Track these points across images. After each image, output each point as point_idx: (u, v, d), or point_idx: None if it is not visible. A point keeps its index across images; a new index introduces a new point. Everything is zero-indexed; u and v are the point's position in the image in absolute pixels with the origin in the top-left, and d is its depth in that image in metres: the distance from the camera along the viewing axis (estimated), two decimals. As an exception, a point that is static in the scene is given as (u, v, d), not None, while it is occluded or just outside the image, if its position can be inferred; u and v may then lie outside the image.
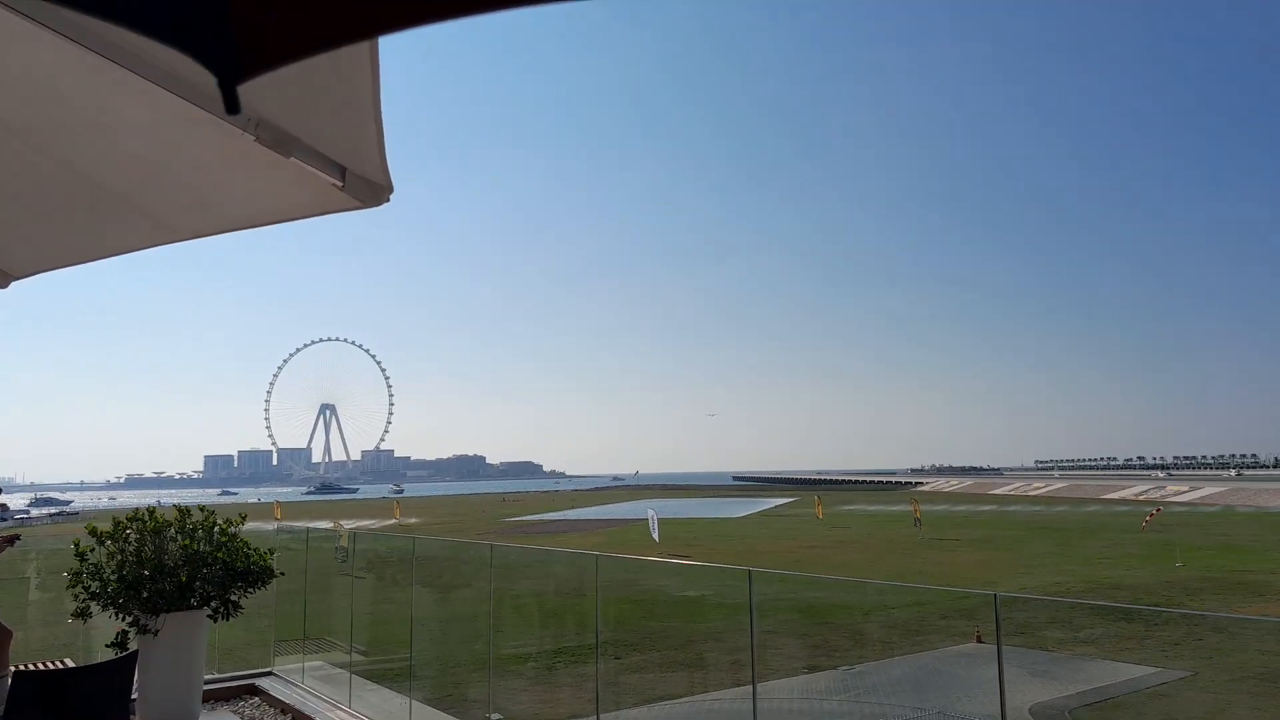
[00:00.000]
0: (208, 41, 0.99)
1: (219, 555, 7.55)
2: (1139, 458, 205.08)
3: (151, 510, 7.77)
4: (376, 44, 1.80)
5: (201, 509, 7.94)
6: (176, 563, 7.33)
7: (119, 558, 7.30)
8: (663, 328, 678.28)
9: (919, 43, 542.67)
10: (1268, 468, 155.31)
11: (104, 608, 7.22)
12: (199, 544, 7.57)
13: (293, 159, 2.04)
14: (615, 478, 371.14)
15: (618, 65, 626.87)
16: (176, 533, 7.58)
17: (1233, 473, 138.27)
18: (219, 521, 7.82)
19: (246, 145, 1.94)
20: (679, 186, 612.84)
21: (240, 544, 7.76)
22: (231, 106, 0.99)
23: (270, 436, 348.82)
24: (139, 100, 1.99)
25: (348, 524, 57.85)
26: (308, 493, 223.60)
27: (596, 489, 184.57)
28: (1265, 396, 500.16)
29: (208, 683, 8.23)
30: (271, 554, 8.11)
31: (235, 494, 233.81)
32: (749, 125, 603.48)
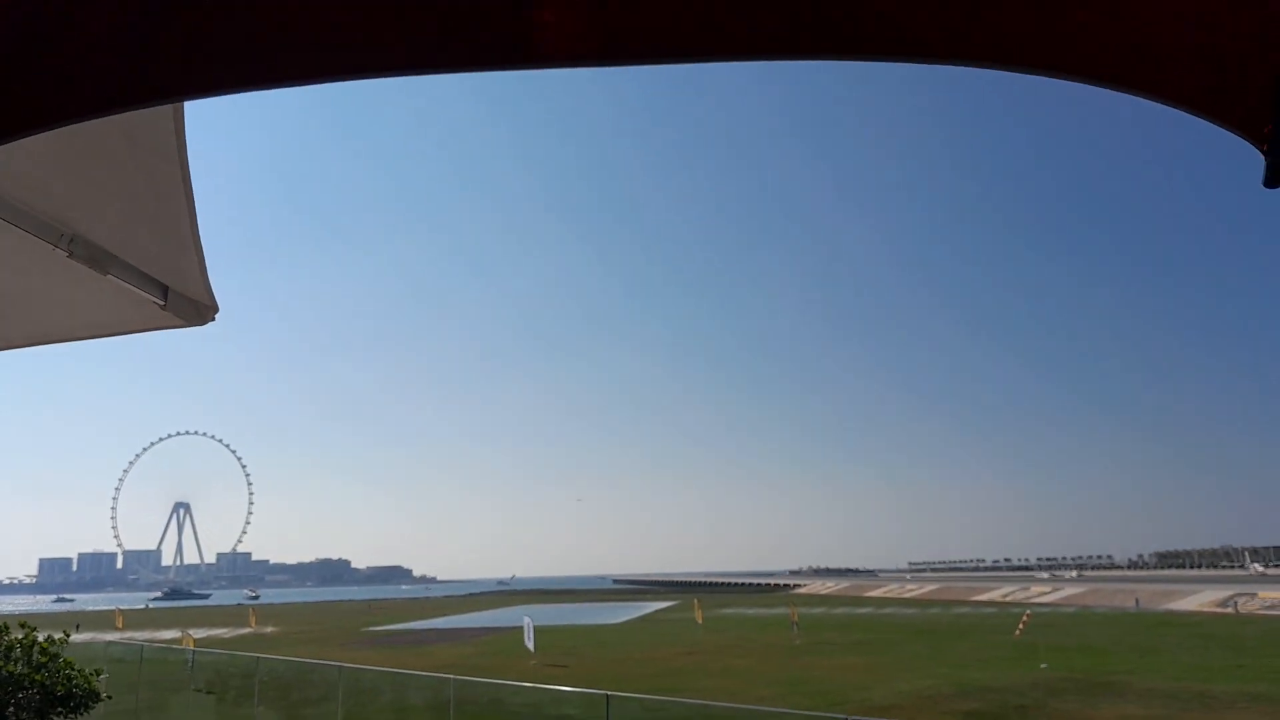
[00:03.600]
0: None
1: (37, 678, 6.84)
2: (1005, 559, 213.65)
3: (-39, 626, 7.03)
4: (187, 165, 1.78)
5: (22, 624, 7.22)
6: (-14, 687, 6.61)
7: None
8: (539, 427, 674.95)
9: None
10: (1121, 568, 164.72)
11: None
12: (15, 665, 6.85)
13: (110, 276, 1.99)
14: (500, 581, 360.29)
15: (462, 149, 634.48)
16: (-11, 652, 6.86)
17: (1074, 573, 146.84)
18: (39, 639, 7.13)
19: (61, 260, 1.88)
20: (545, 279, 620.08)
21: (62, 665, 7.05)
22: None
23: (116, 537, 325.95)
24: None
25: (197, 633, 53.98)
26: (155, 599, 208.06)
27: (471, 594, 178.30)
28: (1120, 501, 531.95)
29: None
30: (98, 674, 7.41)
31: (71, 600, 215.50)
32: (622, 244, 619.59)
